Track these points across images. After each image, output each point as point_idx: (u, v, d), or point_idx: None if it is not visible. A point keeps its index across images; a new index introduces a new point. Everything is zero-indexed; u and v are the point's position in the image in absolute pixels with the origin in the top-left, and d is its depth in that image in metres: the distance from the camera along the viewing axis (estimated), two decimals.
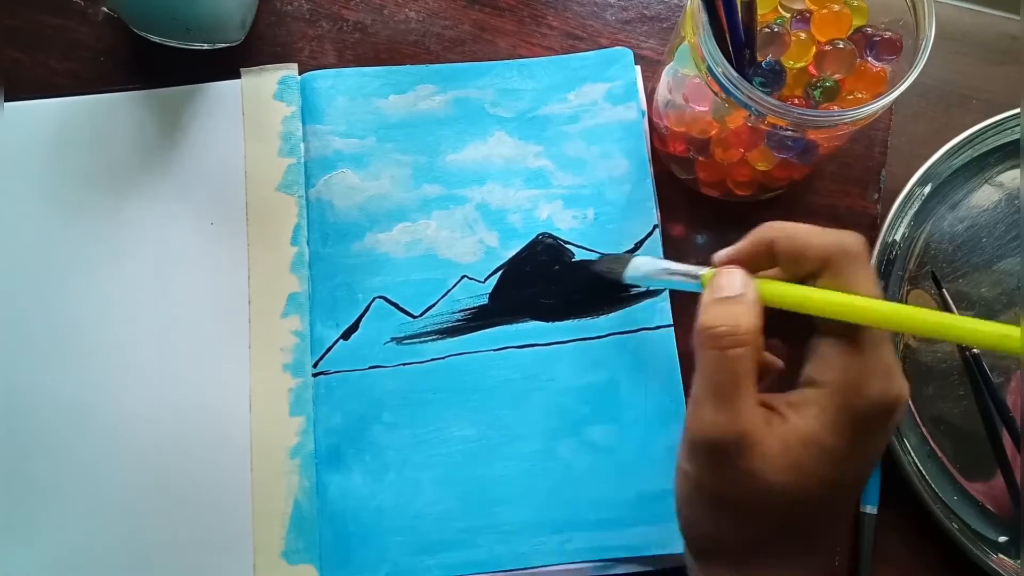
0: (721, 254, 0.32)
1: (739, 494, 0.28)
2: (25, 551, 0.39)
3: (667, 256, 0.43)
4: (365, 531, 0.39)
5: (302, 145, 0.44)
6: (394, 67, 0.45)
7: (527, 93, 0.45)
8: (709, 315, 0.29)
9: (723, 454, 0.28)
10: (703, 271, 0.33)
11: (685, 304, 0.43)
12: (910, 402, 0.42)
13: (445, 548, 0.38)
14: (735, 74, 0.33)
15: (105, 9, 0.45)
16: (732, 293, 0.29)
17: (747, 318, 0.28)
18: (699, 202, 0.45)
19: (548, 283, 0.42)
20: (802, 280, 0.30)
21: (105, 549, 0.39)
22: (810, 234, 0.29)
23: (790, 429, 0.28)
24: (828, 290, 0.28)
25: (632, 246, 0.43)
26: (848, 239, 0.29)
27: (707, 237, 0.45)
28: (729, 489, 0.28)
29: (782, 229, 0.30)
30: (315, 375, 0.41)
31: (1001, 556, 0.40)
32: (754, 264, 0.31)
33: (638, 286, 0.42)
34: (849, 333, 0.28)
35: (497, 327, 0.42)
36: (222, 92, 0.44)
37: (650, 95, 0.45)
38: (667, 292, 0.42)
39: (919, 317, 0.27)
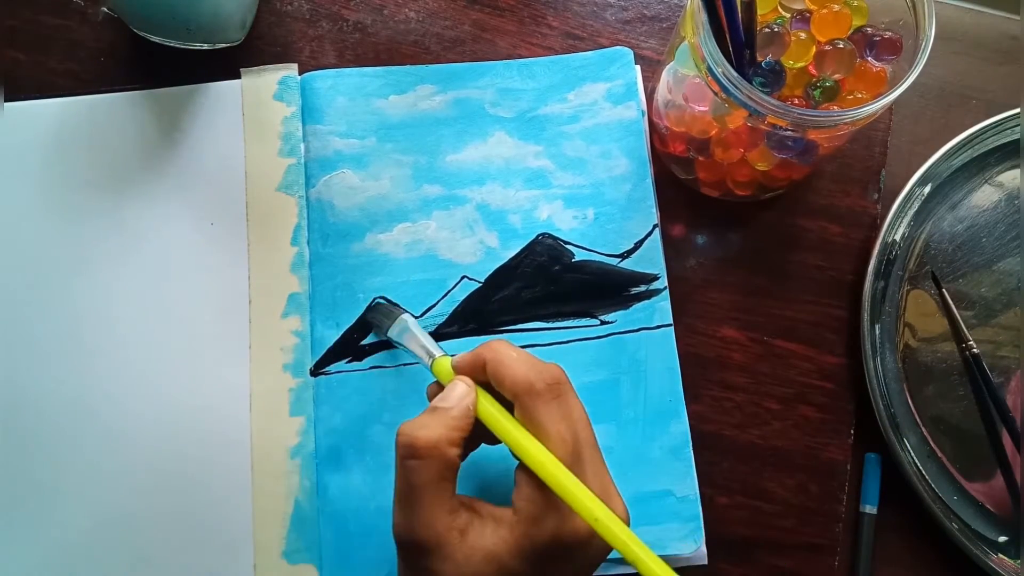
0: (459, 359, 0.33)
1: None
2: (26, 550, 0.39)
3: (667, 256, 0.43)
4: (365, 531, 0.39)
5: (302, 145, 0.44)
6: (394, 67, 0.45)
7: (527, 93, 0.45)
8: (405, 423, 0.31)
9: (409, 552, 0.30)
10: (437, 355, 0.35)
11: (685, 304, 0.43)
12: (910, 402, 0.42)
13: None
14: (735, 74, 0.33)
15: (105, 9, 0.45)
16: (443, 404, 0.31)
17: (430, 432, 0.30)
18: (699, 202, 0.45)
19: (548, 283, 0.42)
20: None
21: (105, 548, 0.39)
22: (510, 366, 0.31)
23: (478, 542, 0.30)
24: (516, 427, 0.31)
25: (632, 246, 0.43)
26: (538, 377, 0.31)
27: (707, 237, 0.45)
28: None
29: (495, 353, 0.32)
30: (315, 375, 0.41)
31: (1001, 556, 0.40)
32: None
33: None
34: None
35: (497, 327, 0.42)
36: (222, 92, 0.44)
37: (650, 95, 0.45)
38: (667, 292, 0.42)
39: (569, 488, 0.29)
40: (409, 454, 0.30)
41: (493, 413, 0.31)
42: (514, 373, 0.31)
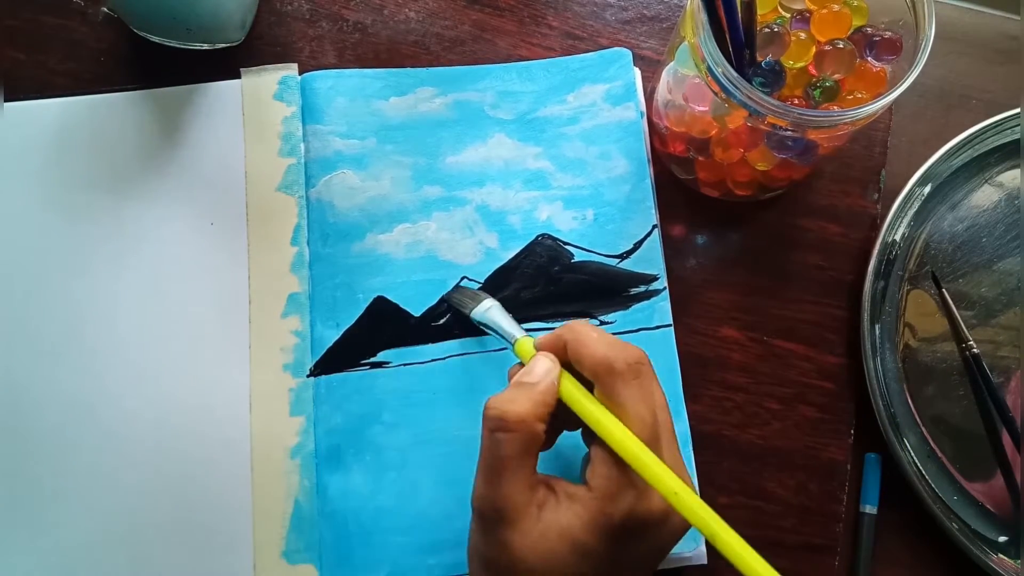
0: (541, 339, 0.34)
1: (499, 562, 0.30)
2: (26, 550, 0.39)
3: (666, 256, 0.43)
4: (365, 531, 0.39)
5: (302, 145, 0.44)
6: (394, 69, 0.45)
7: (526, 95, 0.45)
8: (494, 396, 0.31)
9: (487, 522, 0.30)
10: (519, 336, 0.35)
11: (685, 304, 0.43)
12: (910, 401, 0.42)
13: (445, 548, 0.38)
14: (735, 74, 0.33)
15: (105, 9, 0.45)
16: (529, 379, 0.32)
17: (519, 406, 0.30)
18: (699, 202, 0.45)
19: (548, 284, 0.42)
20: None
21: (106, 548, 0.39)
22: (590, 345, 0.31)
23: (553, 518, 0.30)
24: (596, 405, 0.31)
25: (631, 246, 0.43)
26: (619, 356, 0.31)
27: (707, 237, 0.45)
28: (492, 553, 0.30)
29: (575, 333, 0.32)
30: (315, 375, 0.41)
31: (1001, 556, 0.40)
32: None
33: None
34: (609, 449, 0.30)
35: None
36: (222, 92, 0.44)
37: (650, 95, 0.45)
38: (666, 292, 0.42)
39: (647, 463, 0.29)
40: (498, 426, 0.30)
41: (572, 390, 0.31)
42: (594, 352, 0.31)
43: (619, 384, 0.30)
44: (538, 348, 0.34)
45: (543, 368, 0.32)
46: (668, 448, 0.31)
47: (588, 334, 0.32)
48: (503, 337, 0.36)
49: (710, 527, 0.28)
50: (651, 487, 0.29)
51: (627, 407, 0.30)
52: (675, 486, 0.28)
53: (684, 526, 0.30)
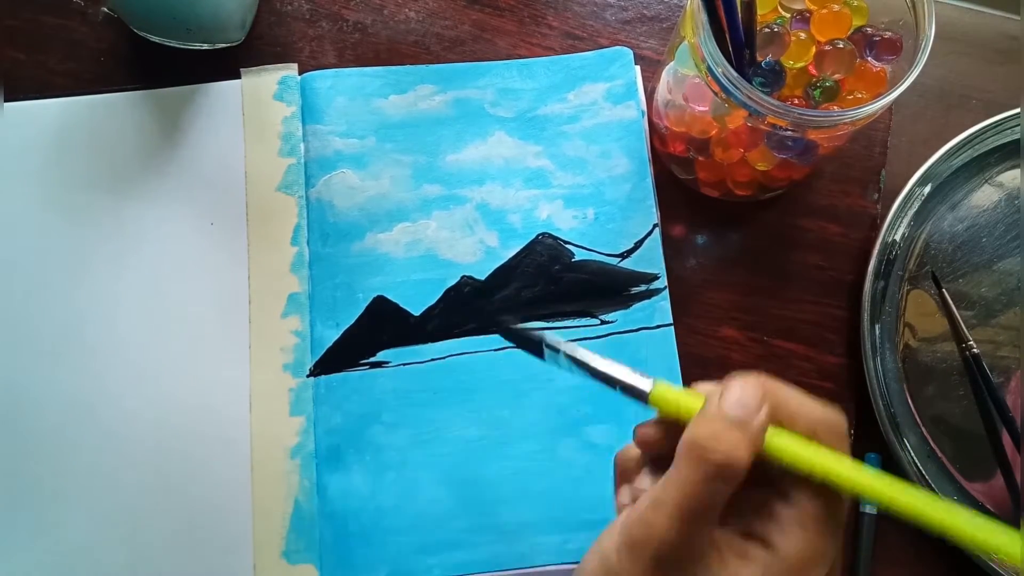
0: (704, 386, 0.28)
1: None
2: (26, 550, 0.39)
3: (667, 256, 0.43)
4: (365, 531, 0.39)
5: (302, 145, 0.44)
6: (394, 67, 0.45)
7: (527, 93, 0.45)
8: (709, 431, 0.25)
9: (664, 567, 0.26)
10: (648, 385, 0.28)
11: (685, 304, 0.43)
12: (910, 402, 0.42)
13: (445, 548, 0.38)
14: (735, 74, 0.33)
15: (105, 9, 0.45)
16: (743, 415, 0.26)
17: (746, 451, 0.25)
18: (699, 202, 0.45)
19: (548, 283, 0.42)
20: None
21: (106, 548, 0.39)
22: (800, 404, 0.27)
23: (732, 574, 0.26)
24: (821, 450, 0.26)
25: (632, 245, 0.43)
26: (835, 417, 0.27)
27: (707, 237, 0.45)
28: None
29: (770, 387, 0.27)
30: (315, 375, 0.41)
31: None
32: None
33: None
34: (817, 512, 0.26)
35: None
36: (222, 92, 0.44)
37: (650, 95, 0.45)
38: (667, 291, 0.42)
39: (923, 508, 0.25)
40: (721, 474, 0.25)
41: (797, 445, 0.26)
42: (812, 412, 0.26)
43: (840, 447, 0.26)
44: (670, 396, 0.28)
45: (757, 399, 0.26)
46: None
47: (787, 391, 0.27)
48: (615, 385, 0.28)
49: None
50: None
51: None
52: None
53: None
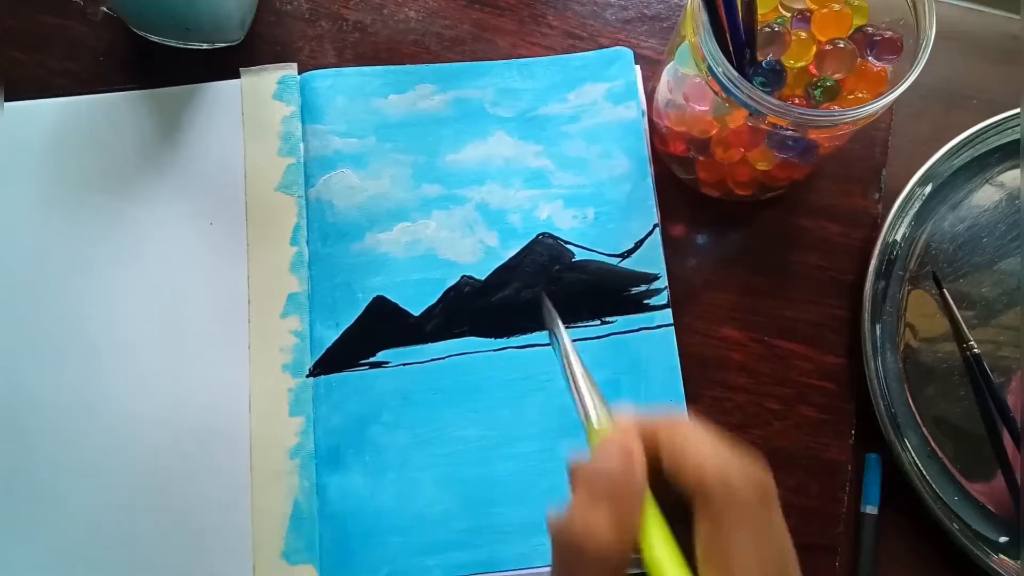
0: (623, 421, 0.26)
1: None
2: (25, 549, 0.39)
3: (667, 256, 0.43)
4: (365, 531, 0.39)
5: (302, 145, 0.44)
6: (394, 67, 0.45)
7: (527, 93, 0.45)
8: (559, 510, 0.23)
9: None
10: (597, 420, 0.27)
11: (686, 304, 0.43)
12: (911, 402, 0.42)
13: (445, 548, 0.38)
14: (735, 74, 0.33)
15: (105, 9, 0.45)
16: (607, 483, 0.23)
17: (601, 533, 0.22)
18: (699, 202, 0.44)
19: (548, 283, 0.42)
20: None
21: (105, 548, 0.39)
22: (699, 451, 0.23)
23: None
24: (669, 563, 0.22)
25: (632, 245, 0.43)
26: (738, 472, 0.22)
27: (707, 237, 0.45)
28: None
29: (675, 430, 0.24)
30: (315, 375, 0.41)
31: (1002, 556, 0.40)
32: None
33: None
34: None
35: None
36: (222, 92, 0.44)
37: (650, 95, 0.45)
38: (667, 291, 0.42)
39: None
40: (574, 561, 0.22)
41: (654, 531, 0.23)
42: (702, 462, 0.22)
43: (734, 514, 0.22)
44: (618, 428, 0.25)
45: (625, 465, 0.23)
46: None
47: (695, 434, 0.23)
48: (575, 401, 0.28)
49: None
50: None
51: (737, 551, 0.22)
52: None
53: None
